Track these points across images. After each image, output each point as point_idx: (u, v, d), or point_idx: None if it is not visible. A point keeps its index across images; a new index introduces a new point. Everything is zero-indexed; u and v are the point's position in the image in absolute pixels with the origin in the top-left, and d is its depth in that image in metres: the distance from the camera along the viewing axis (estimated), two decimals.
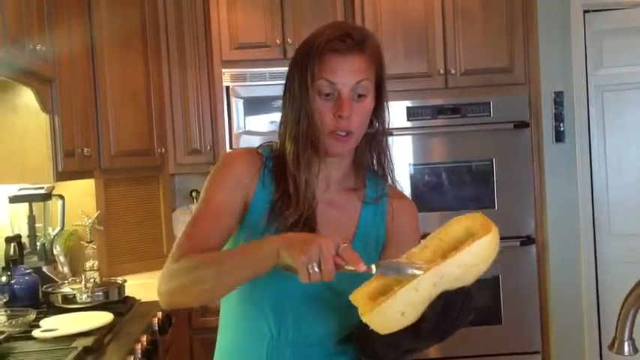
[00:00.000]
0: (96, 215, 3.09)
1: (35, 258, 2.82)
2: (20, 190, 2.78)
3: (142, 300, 2.74)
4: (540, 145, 3.52)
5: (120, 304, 2.61)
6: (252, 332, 1.34)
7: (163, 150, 3.54)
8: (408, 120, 3.44)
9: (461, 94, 3.47)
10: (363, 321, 1.11)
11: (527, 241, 3.45)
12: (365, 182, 1.41)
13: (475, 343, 3.39)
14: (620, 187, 3.55)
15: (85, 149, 2.90)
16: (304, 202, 1.31)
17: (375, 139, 1.38)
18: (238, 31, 3.49)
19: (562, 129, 3.51)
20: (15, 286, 2.54)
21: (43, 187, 2.79)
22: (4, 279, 2.51)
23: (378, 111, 1.36)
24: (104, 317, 2.31)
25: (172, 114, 3.64)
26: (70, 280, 2.75)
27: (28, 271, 2.63)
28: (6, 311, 2.28)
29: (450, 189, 3.50)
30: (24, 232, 2.81)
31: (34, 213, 2.83)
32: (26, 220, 2.82)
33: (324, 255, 1.06)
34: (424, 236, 1.21)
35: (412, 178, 3.46)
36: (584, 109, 3.52)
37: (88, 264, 2.92)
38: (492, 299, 3.41)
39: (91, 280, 2.63)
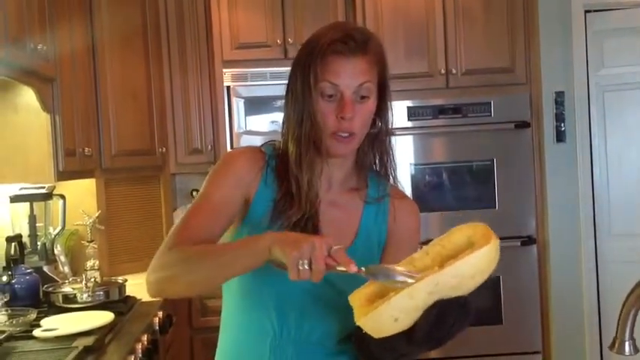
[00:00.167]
0: (97, 215, 3.09)
1: (36, 257, 2.82)
2: (21, 189, 2.78)
3: (143, 300, 2.73)
4: (541, 145, 3.52)
5: (120, 304, 2.61)
6: (254, 330, 1.35)
7: (164, 150, 3.54)
8: (408, 120, 3.44)
9: (462, 94, 3.47)
10: (357, 324, 1.11)
11: (528, 241, 3.46)
12: (367, 182, 1.41)
13: (476, 343, 3.39)
14: (621, 187, 3.55)
15: (86, 149, 2.90)
16: (307, 202, 1.31)
17: (378, 139, 1.38)
18: (239, 31, 3.49)
19: (563, 129, 3.51)
20: (16, 286, 2.54)
21: (43, 187, 2.79)
22: (4, 278, 2.51)
23: (381, 111, 1.36)
24: (105, 317, 2.31)
25: (173, 114, 3.64)
26: (70, 279, 2.75)
27: (28, 270, 2.63)
28: (7, 311, 2.29)
29: (450, 189, 3.50)
30: (25, 231, 2.81)
31: (34, 212, 2.83)
32: (27, 220, 2.82)
33: (316, 254, 1.07)
34: (426, 242, 1.21)
35: (413, 178, 3.46)
36: (585, 109, 3.52)
37: (89, 263, 2.92)
38: (493, 299, 3.42)
39: (92, 280, 2.63)
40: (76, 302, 2.53)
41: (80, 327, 2.17)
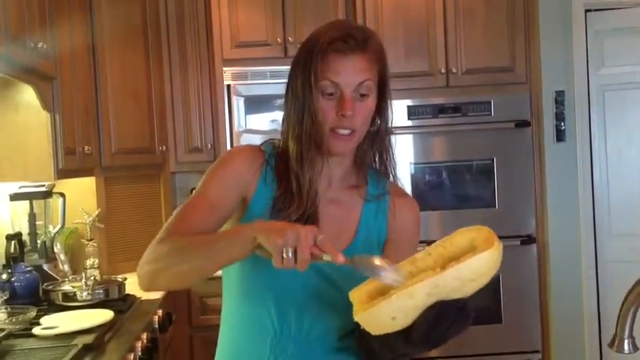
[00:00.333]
0: (96, 213, 3.09)
1: (36, 256, 2.82)
2: (21, 187, 2.78)
3: (143, 298, 2.73)
4: (541, 144, 3.52)
5: (120, 302, 2.61)
6: (254, 328, 1.35)
7: (164, 148, 3.55)
8: (408, 119, 3.44)
9: (462, 93, 3.47)
10: (355, 320, 1.12)
11: (528, 240, 3.46)
12: (367, 180, 1.41)
13: (475, 342, 3.39)
14: (621, 187, 3.55)
15: (86, 147, 2.90)
16: (307, 200, 1.31)
17: (378, 137, 1.38)
18: (239, 30, 3.49)
19: (563, 128, 3.51)
20: (15, 284, 2.54)
21: (43, 185, 2.79)
22: (4, 276, 2.51)
23: (381, 109, 1.37)
24: (104, 315, 2.31)
25: (173, 112, 3.64)
26: (70, 277, 2.75)
27: (28, 268, 2.63)
28: (6, 309, 2.28)
29: (450, 188, 3.50)
30: (25, 229, 2.81)
31: (34, 211, 2.83)
32: (27, 218, 2.83)
33: (301, 242, 1.07)
34: (426, 241, 1.21)
35: (413, 177, 3.46)
36: (585, 108, 3.52)
37: (89, 262, 2.93)
38: (493, 298, 3.42)
39: (92, 278, 2.63)
40: (76, 300, 2.53)
41: (80, 325, 2.17)
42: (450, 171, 3.49)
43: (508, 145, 3.46)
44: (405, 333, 1.11)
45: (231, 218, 1.36)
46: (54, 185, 2.84)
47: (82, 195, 3.12)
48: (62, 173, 2.64)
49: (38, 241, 2.84)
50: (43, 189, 2.79)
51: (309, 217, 1.31)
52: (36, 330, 2.14)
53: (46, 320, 2.26)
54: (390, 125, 1.39)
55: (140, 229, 3.41)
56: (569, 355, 3.51)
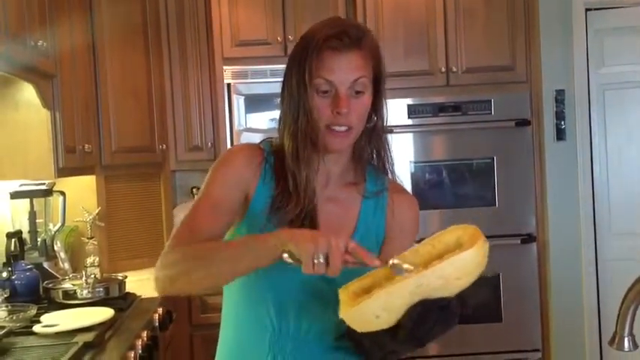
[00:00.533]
0: (97, 211, 3.09)
1: (36, 254, 2.82)
2: (21, 185, 2.78)
3: (143, 296, 2.74)
4: (541, 143, 3.52)
5: (120, 300, 2.61)
6: (254, 327, 1.35)
7: (164, 147, 3.55)
8: (409, 118, 3.44)
9: (462, 91, 3.47)
10: (340, 317, 1.13)
11: (528, 239, 3.46)
12: (365, 176, 1.41)
13: (475, 341, 3.40)
14: (621, 186, 3.55)
15: (86, 145, 2.90)
16: (304, 198, 1.32)
17: (374, 133, 1.38)
18: (239, 29, 3.49)
19: (563, 127, 3.51)
20: (16, 282, 2.54)
21: (44, 183, 2.79)
22: (5, 274, 2.51)
23: (377, 106, 1.37)
24: (105, 313, 2.31)
25: (173, 111, 3.64)
26: (70, 275, 2.76)
27: (28, 266, 2.64)
28: (7, 306, 2.29)
29: (450, 187, 3.50)
30: (25, 227, 2.81)
31: (35, 209, 2.83)
32: (27, 216, 2.83)
33: (333, 249, 1.08)
34: (419, 241, 1.22)
35: (413, 175, 3.46)
36: (585, 107, 3.52)
37: (89, 260, 2.93)
38: (493, 297, 3.41)
39: (92, 276, 2.63)
40: (76, 298, 2.53)
41: (80, 323, 2.17)
42: (451, 170, 3.49)
43: (508, 143, 3.46)
44: (392, 331, 1.12)
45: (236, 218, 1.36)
46: (54, 183, 2.84)
47: (82, 193, 3.12)
48: (62, 171, 2.64)
49: (38, 239, 2.85)
50: (44, 187, 2.79)
51: (307, 215, 1.31)
52: (36, 328, 2.14)
53: (47, 318, 2.26)
54: (386, 122, 1.39)
55: (140, 228, 3.42)
56: (569, 353, 3.51)
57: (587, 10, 3.51)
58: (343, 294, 1.15)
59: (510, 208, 3.46)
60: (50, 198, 2.88)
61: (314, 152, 1.33)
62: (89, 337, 2.05)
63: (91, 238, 3.04)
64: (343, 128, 1.30)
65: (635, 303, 1.10)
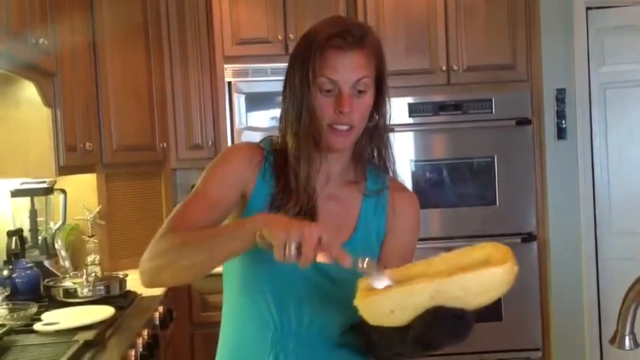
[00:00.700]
0: (97, 210, 3.10)
1: (37, 252, 2.83)
2: (22, 184, 2.78)
3: (144, 295, 2.74)
4: (542, 142, 3.52)
5: (121, 299, 2.61)
6: (255, 324, 1.35)
7: (165, 145, 3.55)
8: (409, 116, 3.44)
9: (463, 90, 3.47)
10: (354, 304, 1.12)
11: (529, 238, 3.46)
12: (366, 175, 1.41)
13: (476, 340, 3.35)
14: (622, 185, 3.55)
15: (87, 144, 2.90)
16: (305, 197, 1.32)
17: (376, 132, 1.38)
18: (240, 27, 3.49)
19: (564, 126, 3.51)
20: (16, 280, 2.54)
21: (45, 182, 2.79)
22: (5, 272, 2.51)
23: (379, 105, 1.36)
24: (105, 311, 2.31)
25: (174, 109, 3.64)
26: (71, 274, 2.76)
27: (29, 264, 2.64)
28: (7, 305, 2.29)
29: (451, 186, 3.50)
30: (26, 226, 2.81)
31: (35, 207, 2.83)
32: (28, 214, 2.83)
33: (305, 240, 1.06)
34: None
35: (414, 174, 3.46)
36: (586, 106, 3.52)
37: (90, 258, 2.93)
38: None
39: (93, 275, 2.63)
40: (77, 297, 2.53)
41: (81, 321, 2.17)
42: (451, 169, 3.49)
43: (509, 142, 3.46)
44: (401, 331, 1.11)
45: (231, 215, 1.36)
46: (55, 182, 2.84)
47: (83, 191, 3.12)
48: (63, 170, 2.64)
49: (39, 238, 2.85)
50: (45, 185, 2.79)
51: (307, 213, 1.31)
52: (37, 326, 2.14)
53: (47, 316, 2.26)
54: (388, 121, 1.38)
55: (141, 226, 3.42)
56: (569, 352, 3.51)
57: (587, 8, 3.51)
58: (362, 283, 1.14)
59: (511, 207, 3.47)
60: (51, 196, 2.89)
61: (316, 151, 1.33)
62: (90, 335, 2.05)
63: (92, 236, 3.04)
64: (345, 127, 1.31)
65: (636, 302, 1.10)
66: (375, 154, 1.40)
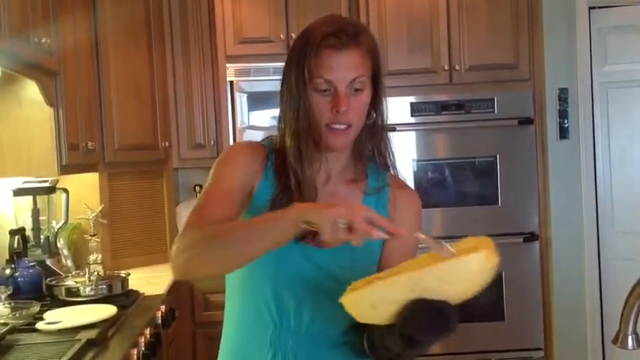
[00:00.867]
0: (100, 209, 3.10)
1: (39, 251, 2.83)
2: (24, 183, 2.78)
3: (146, 294, 2.74)
4: (544, 141, 3.51)
5: (123, 298, 2.61)
6: (255, 322, 1.35)
7: (167, 144, 3.55)
8: (411, 116, 3.44)
9: (465, 90, 3.47)
10: (340, 301, 1.12)
11: (531, 237, 3.46)
12: (366, 173, 1.41)
13: (478, 340, 3.39)
14: (624, 184, 3.54)
15: (89, 143, 2.90)
16: (306, 196, 1.32)
17: (374, 129, 1.38)
18: (242, 26, 3.49)
19: (566, 126, 3.51)
20: (19, 279, 2.54)
21: (47, 181, 2.79)
22: (8, 271, 2.51)
23: (376, 102, 1.36)
24: (108, 310, 2.32)
25: (176, 108, 3.64)
26: (73, 273, 2.76)
27: (31, 263, 2.64)
28: (10, 303, 2.29)
29: (453, 185, 3.50)
30: (28, 225, 2.82)
31: (38, 206, 2.84)
32: (30, 213, 2.83)
33: (355, 216, 1.06)
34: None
35: (416, 174, 3.45)
36: (588, 105, 3.51)
37: (92, 257, 2.93)
38: (495, 295, 3.41)
39: (95, 274, 2.63)
40: (79, 296, 2.53)
41: (83, 320, 2.18)
42: (453, 168, 3.49)
43: (511, 142, 3.45)
44: (391, 328, 1.12)
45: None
46: (57, 181, 2.84)
47: (85, 191, 3.12)
48: (65, 169, 2.64)
49: (41, 237, 2.85)
50: (47, 184, 2.80)
51: None
52: (39, 325, 2.14)
53: (50, 315, 2.26)
54: (386, 118, 1.38)
55: (143, 225, 3.43)
56: (571, 352, 3.51)
57: (590, 8, 3.50)
58: (354, 284, 1.14)
59: (513, 207, 3.46)
60: (53, 195, 2.89)
61: (316, 151, 1.33)
62: (92, 334, 2.05)
63: (94, 235, 3.04)
64: (343, 126, 1.31)
65: (639, 301, 1.10)
66: (375, 152, 1.40)
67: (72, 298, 2.52)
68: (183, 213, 3.66)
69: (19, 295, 2.46)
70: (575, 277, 3.51)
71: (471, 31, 3.47)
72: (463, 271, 1.08)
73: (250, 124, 3.49)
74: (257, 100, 3.50)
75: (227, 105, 3.51)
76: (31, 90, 2.52)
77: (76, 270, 2.84)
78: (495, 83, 3.47)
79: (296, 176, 1.32)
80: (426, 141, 3.48)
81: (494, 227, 3.41)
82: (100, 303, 2.46)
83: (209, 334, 3.15)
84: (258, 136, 3.12)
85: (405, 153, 3.38)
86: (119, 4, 3.24)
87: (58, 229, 2.89)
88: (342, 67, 1.28)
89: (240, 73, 3.48)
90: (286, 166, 1.33)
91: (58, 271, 2.80)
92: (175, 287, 3.03)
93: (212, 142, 3.65)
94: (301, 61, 1.29)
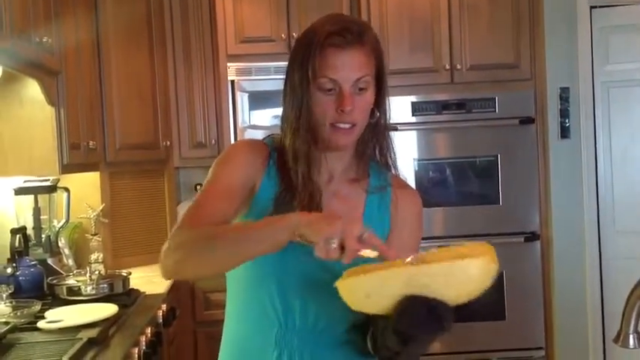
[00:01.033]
0: (101, 208, 3.10)
1: (40, 250, 2.83)
2: (26, 182, 2.78)
3: (147, 293, 2.74)
4: (546, 141, 3.51)
5: (124, 297, 2.61)
6: (259, 321, 1.35)
7: (168, 143, 3.55)
8: (412, 115, 3.44)
9: (466, 89, 3.47)
10: (334, 285, 1.13)
11: (532, 237, 3.45)
12: (368, 172, 1.41)
13: (479, 339, 3.39)
14: (625, 184, 3.54)
15: (91, 142, 2.91)
16: (308, 195, 1.32)
17: (377, 129, 1.38)
18: (244, 25, 3.49)
19: (567, 125, 3.51)
20: (20, 278, 2.55)
21: (48, 180, 2.79)
22: (9, 270, 2.52)
23: (379, 101, 1.36)
24: (109, 309, 2.32)
25: (177, 107, 3.64)
26: (74, 272, 2.76)
27: (33, 262, 2.64)
28: (11, 302, 2.30)
29: (454, 185, 3.50)
30: (29, 224, 2.82)
31: (39, 205, 2.84)
32: (31, 212, 2.83)
33: (347, 234, 1.07)
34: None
35: (417, 173, 3.45)
36: (589, 105, 3.51)
37: (93, 256, 2.93)
38: (496, 295, 3.41)
39: (96, 273, 2.63)
40: (80, 295, 2.54)
41: (84, 319, 2.18)
42: (454, 168, 3.49)
43: (512, 141, 3.45)
44: (387, 322, 1.13)
45: (241, 211, 1.36)
46: (58, 180, 2.84)
47: (86, 190, 3.12)
48: (67, 168, 2.64)
49: (43, 236, 2.85)
50: (48, 183, 2.80)
51: (312, 212, 1.31)
52: (41, 324, 2.15)
53: (51, 314, 2.26)
54: (389, 117, 1.38)
55: (144, 224, 3.43)
56: (572, 351, 3.51)
57: (591, 7, 3.50)
58: (351, 269, 1.15)
59: (514, 206, 3.46)
60: (54, 194, 2.89)
61: (317, 150, 1.33)
62: (93, 333, 2.06)
63: (95, 234, 3.05)
64: (348, 125, 1.31)
65: None
66: (377, 151, 1.40)
67: (73, 297, 2.53)
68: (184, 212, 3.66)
69: (20, 294, 2.46)
70: (576, 277, 3.51)
71: (472, 30, 3.47)
72: (460, 274, 1.09)
73: (251, 123, 3.49)
74: (258, 100, 3.50)
75: (228, 104, 3.51)
76: (33, 89, 2.52)
77: (77, 269, 2.84)
78: (496, 83, 3.47)
79: (297, 175, 1.32)
80: (427, 140, 3.48)
81: (495, 227, 3.41)
82: (101, 302, 2.46)
83: (210, 333, 3.15)
84: (259, 136, 3.11)
85: (406, 152, 3.38)
86: (120, 3, 3.24)
87: (59, 228, 2.89)
88: (347, 67, 1.28)
89: (241, 72, 3.48)
90: (289, 165, 1.33)
91: (59, 270, 2.80)
92: (176, 286, 3.03)
93: (213, 141, 3.65)
94: (305, 60, 1.29)
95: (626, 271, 3.32)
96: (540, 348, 3.48)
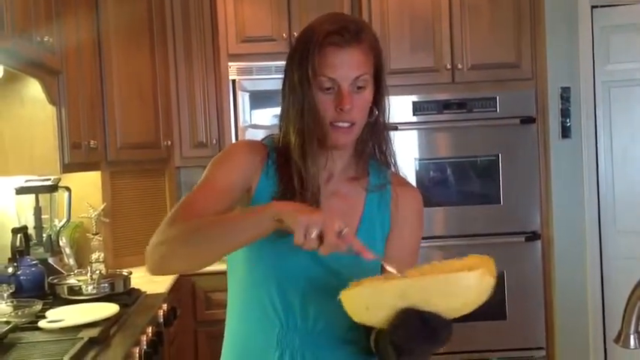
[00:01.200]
0: (102, 207, 3.10)
1: (41, 249, 2.83)
2: (27, 181, 2.79)
3: (148, 292, 2.74)
4: (546, 140, 3.51)
5: (125, 296, 2.61)
6: (260, 322, 1.35)
7: (169, 143, 3.55)
8: (413, 115, 3.44)
9: (467, 89, 3.47)
10: (338, 297, 1.14)
11: (533, 236, 3.45)
12: (367, 170, 1.41)
13: (480, 339, 3.39)
14: (626, 184, 3.54)
15: (92, 141, 2.91)
16: (309, 195, 1.31)
17: (376, 127, 1.38)
18: (245, 25, 3.49)
19: (568, 125, 3.51)
20: (21, 277, 2.55)
21: (49, 179, 2.79)
22: (10, 270, 2.52)
23: (378, 100, 1.36)
24: (110, 309, 2.32)
25: (178, 107, 3.64)
26: (75, 271, 2.76)
27: (34, 262, 2.64)
28: (12, 302, 2.30)
29: (455, 184, 3.50)
30: (30, 223, 2.82)
31: (40, 204, 2.84)
32: (32, 212, 2.83)
33: (327, 226, 1.07)
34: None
35: (418, 173, 3.45)
36: (590, 104, 3.51)
37: (94, 256, 2.93)
38: (497, 295, 3.40)
39: (97, 272, 2.64)
40: (81, 294, 2.54)
41: (85, 318, 2.18)
42: (455, 167, 3.49)
43: (513, 141, 3.45)
44: (384, 333, 1.14)
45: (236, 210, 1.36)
46: (59, 179, 2.84)
47: (87, 189, 3.13)
48: (68, 167, 2.65)
49: (44, 235, 2.85)
50: (49, 183, 2.80)
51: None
52: (42, 323, 2.15)
53: (52, 313, 2.26)
54: (387, 116, 1.38)
55: (145, 224, 3.42)
56: (573, 351, 3.51)
57: (592, 7, 3.50)
58: (363, 279, 1.15)
59: (515, 206, 3.46)
60: (55, 194, 2.89)
61: (320, 149, 1.33)
62: (94, 332, 2.06)
63: (96, 234, 3.05)
64: (347, 124, 1.31)
65: None
66: (376, 150, 1.40)
67: (74, 297, 2.53)
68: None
69: (21, 293, 2.46)
70: (577, 277, 3.51)
71: (474, 29, 3.47)
72: (455, 287, 1.09)
73: (252, 122, 3.49)
74: (259, 99, 3.50)
75: (229, 104, 3.51)
76: (34, 88, 2.52)
77: (78, 268, 2.84)
78: (497, 82, 3.47)
79: (299, 174, 1.32)
80: (428, 140, 3.48)
81: (496, 226, 3.41)
82: (102, 301, 2.47)
83: (211, 333, 3.16)
84: (260, 135, 3.11)
85: (407, 152, 3.38)
86: (121, 3, 3.24)
87: (61, 228, 2.89)
88: (346, 65, 1.28)
89: (242, 71, 3.48)
90: (289, 164, 1.33)
91: (60, 269, 2.80)
92: (177, 286, 3.03)
93: (214, 140, 3.65)
94: (304, 59, 1.29)
95: (627, 270, 3.32)
96: (541, 348, 3.48)
